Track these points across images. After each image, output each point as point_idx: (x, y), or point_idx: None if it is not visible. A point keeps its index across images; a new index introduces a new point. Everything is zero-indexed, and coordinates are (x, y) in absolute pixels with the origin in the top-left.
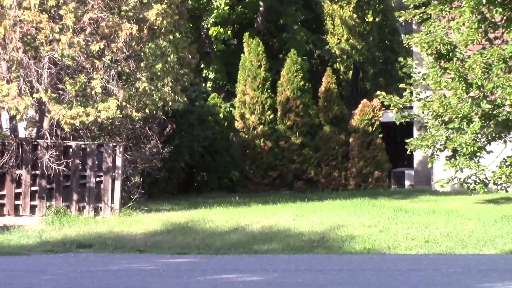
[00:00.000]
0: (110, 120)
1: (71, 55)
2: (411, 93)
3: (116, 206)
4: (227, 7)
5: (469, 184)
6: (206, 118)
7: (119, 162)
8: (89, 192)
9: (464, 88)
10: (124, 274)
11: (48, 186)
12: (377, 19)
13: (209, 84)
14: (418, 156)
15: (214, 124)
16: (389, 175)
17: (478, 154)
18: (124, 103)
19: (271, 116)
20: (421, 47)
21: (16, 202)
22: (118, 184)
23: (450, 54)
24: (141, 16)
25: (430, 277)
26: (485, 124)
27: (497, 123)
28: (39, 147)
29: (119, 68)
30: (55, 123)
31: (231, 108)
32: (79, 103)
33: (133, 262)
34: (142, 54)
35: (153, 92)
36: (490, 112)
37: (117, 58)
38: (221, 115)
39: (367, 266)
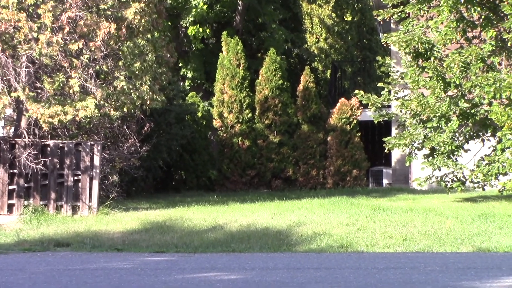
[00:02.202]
0: (88, 119)
1: (50, 54)
2: (389, 92)
3: (94, 205)
4: (206, 6)
5: (446, 183)
6: (184, 117)
7: (97, 161)
8: (67, 191)
9: (442, 87)
10: (102, 273)
11: (26, 185)
12: (355, 18)
13: (187, 83)
14: (396, 155)
15: (192, 122)
16: (367, 173)
17: (456, 152)
18: (102, 102)
19: (249, 115)
20: (399, 46)
21: None
22: (96, 183)
23: (428, 53)
24: (119, 14)
25: (408, 275)
26: (463, 123)
27: (474, 122)
28: (16, 145)
29: (97, 67)
30: (33, 122)
31: (209, 107)
32: (57, 102)
33: (111, 260)
34: (120, 53)
35: (131, 91)
36: (468, 111)
37: (95, 57)
38: (199, 114)
39: (345, 265)
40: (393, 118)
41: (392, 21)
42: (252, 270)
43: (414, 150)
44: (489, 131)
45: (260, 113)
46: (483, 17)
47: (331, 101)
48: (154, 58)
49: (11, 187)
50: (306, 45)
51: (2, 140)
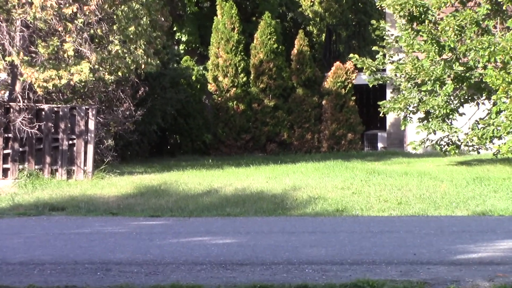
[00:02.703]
0: (83, 83)
1: (44, 18)
2: (384, 55)
3: (89, 169)
4: None
5: (441, 146)
6: (179, 81)
7: (91, 125)
8: (62, 155)
9: (436, 50)
10: (97, 237)
11: (20, 149)
12: None
13: (182, 47)
14: (390, 119)
15: (187, 87)
16: (362, 137)
17: (451, 116)
18: (96, 66)
19: (244, 78)
20: (393, 9)
21: None
22: (91, 147)
23: (423, 16)
24: None
25: (403, 238)
26: (458, 86)
27: (469, 85)
28: (11, 110)
29: (92, 31)
30: (27, 86)
31: (204, 71)
32: (51, 66)
33: (106, 224)
34: (114, 16)
35: (126, 55)
36: (463, 74)
37: (90, 21)
38: (194, 78)
39: (340, 228)
40: (388, 81)
41: None
42: (247, 234)
43: (409, 114)
44: (484, 94)
45: (255, 77)
46: None
47: (325, 65)
48: (148, 22)
49: (5, 151)
50: (300, 9)
51: None
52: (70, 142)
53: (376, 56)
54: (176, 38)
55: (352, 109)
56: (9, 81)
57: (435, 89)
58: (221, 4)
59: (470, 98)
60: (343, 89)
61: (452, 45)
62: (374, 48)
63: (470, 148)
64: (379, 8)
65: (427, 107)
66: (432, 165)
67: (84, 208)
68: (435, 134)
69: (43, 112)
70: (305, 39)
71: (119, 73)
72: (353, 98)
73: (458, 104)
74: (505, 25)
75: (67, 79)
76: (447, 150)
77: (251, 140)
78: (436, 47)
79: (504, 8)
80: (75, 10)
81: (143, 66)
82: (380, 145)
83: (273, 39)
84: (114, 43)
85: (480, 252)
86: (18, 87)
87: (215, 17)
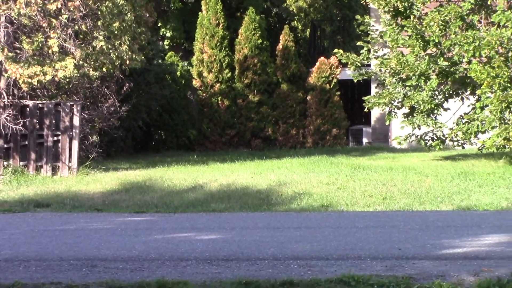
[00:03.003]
0: (68, 79)
1: (28, 14)
2: (369, 50)
3: (74, 165)
4: None
5: (426, 141)
6: (163, 77)
7: (76, 121)
8: (47, 151)
9: (421, 45)
10: (82, 233)
11: (5, 146)
12: None
13: (166, 42)
14: (375, 114)
15: (171, 82)
16: (347, 132)
17: (435, 111)
18: (81, 62)
19: (229, 74)
20: (378, 4)
21: None
22: (75, 143)
23: (408, 11)
24: None
25: (388, 233)
26: (442, 81)
27: (454, 80)
28: None
29: (76, 27)
30: (12, 82)
31: (188, 67)
32: (36, 62)
33: (91, 221)
34: (99, 12)
35: (111, 50)
36: (447, 69)
37: (74, 17)
38: (178, 74)
39: (325, 224)
40: (373, 77)
41: None
42: (232, 230)
43: (394, 109)
44: (468, 89)
45: (239, 73)
46: None
47: (310, 60)
48: (133, 17)
49: None
50: (285, 4)
51: None
52: (55, 138)
53: (361, 51)
54: (161, 33)
55: (336, 104)
56: None
57: (419, 84)
58: (206, 0)
59: (454, 93)
60: (327, 84)
61: (436, 40)
62: (359, 43)
63: (455, 143)
64: (364, 3)
65: (412, 102)
66: (417, 160)
67: (69, 204)
68: (419, 129)
69: (28, 109)
70: (289, 34)
71: (104, 69)
72: (338, 93)
73: (443, 99)
74: (489, 19)
75: (51, 75)
76: (432, 145)
77: (236, 135)
78: (421, 42)
79: (488, 2)
80: (59, 6)
81: (127, 62)
82: (365, 140)
83: (258, 35)
84: (99, 39)
85: (465, 247)
86: (2, 83)
87: (199, 13)
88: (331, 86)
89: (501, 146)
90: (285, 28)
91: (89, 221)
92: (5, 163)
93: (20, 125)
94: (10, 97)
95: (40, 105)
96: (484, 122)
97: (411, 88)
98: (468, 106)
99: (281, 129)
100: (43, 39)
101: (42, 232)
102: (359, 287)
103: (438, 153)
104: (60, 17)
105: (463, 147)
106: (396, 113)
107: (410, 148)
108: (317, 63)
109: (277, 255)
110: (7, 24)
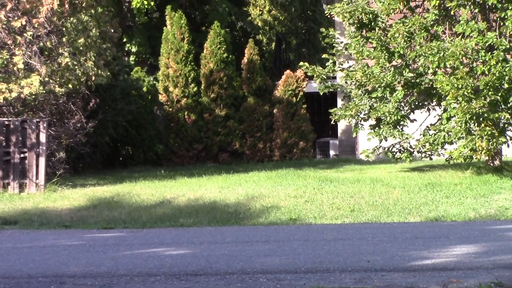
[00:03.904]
0: (33, 96)
1: None
2: (334, 63)
3: (41, 182)
4: None
5: (394, 153)
6: (129, 92)
7: (43, 138)
8: (14, 168)
9: (386, 57)
10: (51, 250)
11: None
12: None
13: (132, 58)
14: (342, 126)
15: (138, 98)
16: (314, 145)
17: (402, 122)
18: (47, 79)
19: (195, 88)
20: (343, 17)
21: None
22: (42, 160)
23: (372, 23)
24: None
25: (357, 246)
26: (408, 92)
27: (420, 91)
28: None
29: (41, 44)
30: None
31: (154, 82)
32: (1, 80)
33: (59, 237)
34: (64, 29)
35: (76, 67)
36: (413, 80)
37: (39, 34)
38: (144, 89)
39: (293, 237)
40: (339, 89)
41: None
42: (201, 244)
43: (360, 121)
44: (434, 100)
45: (205, 87)
46: None
47: (276, 73)
48: (98, 33)
49: None
50: (250, 18)
51: None
52: (22, 155)
53: (326, 64)
54: (126, 49)
55: (303, 117)
56: None
57: (385, 96)
58: (170, 15)
59: (420, 104)
60: (294, 97)
61: (401, 52)
62: (324, 55)
63: (423, 155)
64: (328, 16)
65: (378, 113)
66: (384, 171)
67: (37, 221)
68: (386, 140)
69: None
70: (255, 48)
71: (70, 85)
72: (304, 106)
73: (409, 111)
74: (453, 30)
75: (17, 92)
76: (399, 157)
77: (203, 150)
78: (386, 54)
79: (452, 13)
80: (24, 23)
81: (93, 78)
82: (332, 152)
83: (223, 49)
84: (64, 55)
85: (433, 258)
86: None
87: (164, 28)
88: (298, 99)
89: (468, 157)
90: (250, 42)
91: (57, 238)
92: None
93: None
94: None
95: (6, 122)
96: (450, 133)
97: (377, 99)
98: (435, 117)
99: (248, 143)
100: (8, 56)
101: (10, 249)
102: None
103: (405, 164)
104: (25, 34)
105: (431, 158)
106: (362, 125)
107: (377, 160)
108: (283, 76)
109: (246, 269)
110: None
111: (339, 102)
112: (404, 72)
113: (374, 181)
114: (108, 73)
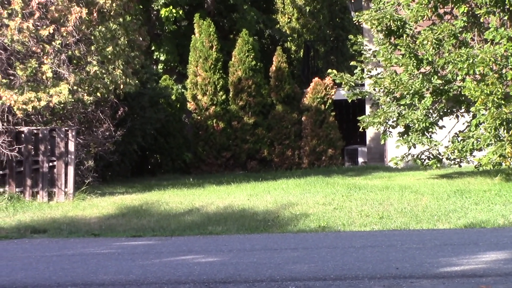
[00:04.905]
0: (62, 105)
1: (21, 40)
2: (362, 70)
3: (70, 191)
4: None
5: (422, 160)
6: (158, 100)
7: (71, 146)
8: (43, 177)
9: (414, 64)
10: (79, 258)
11: (1, 172)
12: None
13: (160, 66)
14: (370, 133)
15: (166, 106)
16: (342, 152)
17: (430, 129)
18: (75, 87)
19: (223, 96)
20: (371, 24)
21: None
22: (71, 168)
23: (400, 30)
24: None
25: (385, 253)
26: (437, 99)
27: (448, 98)
28: None
29: (70, 52)
30: (6, 109)
31: (183, 90)
32: (30, 88)
33: (88, 246)
34: (92, 37)
35: (104, 75)
36: (441, 87)
37: (67, 42)
38: (173, 97)
39: (322, 244)
40: (367, 96)
41: None
42: (230, 252)
43: (389, 128)
44: (463, 107)
45: (234, 95)
46: None
47: (304, 80)
48: (126, 42)
49: None
50: (278, 26)
51: None
52: (51, 164)
53: (355, 71)
54: (154, 57)
55: (332, 124)
56: None
57: (414, 103)
58: (198, 23)
59: (449, 111)
60: (322, 105)
61: (430, 59)
62: (352, 63)
63: (452, 162)
64: (357, 23)
65: (407, 121)
66: (413, 178)
67: (66, 230)
68: (415, 147)
69: (23, 135)
70: (283, 55)
71: (98, 94)
72: (333, 113)
73: (438, 117)
74: (482, 37)
75: (46, 101)
76: (428, 164)
77: (231, 158)
78: (414, 61)
79: (481, 20)
80: (52, 31)
81: (121, 86)
82: (360, 160)
83: (251, 56)
84: (92, 64)
85: (462, 264)
86: None
87: (193, 36)
88: (326, 106)
89: (497, 163)
90: (278, 50)
91: (86, 246)
92: (1, 189)
93: (15, 151)
94: (5, 124)
95: (35, 131)
96: (479, 139)
97: (406, 107)
98: (463, 123)
99: (276, 151)
100: (36, 65)
101: (39, 258)
102: None
103: (433, 171)
104: (53, 42)
105: (460, 165)
106: (391, 132)
107: (406, 167)
108: (312, 84)
109: (274, 277)
110: (0, 51)
111: (368, 109)
112: (432, 79)
113: (403, 188)
114: (137, 82)
